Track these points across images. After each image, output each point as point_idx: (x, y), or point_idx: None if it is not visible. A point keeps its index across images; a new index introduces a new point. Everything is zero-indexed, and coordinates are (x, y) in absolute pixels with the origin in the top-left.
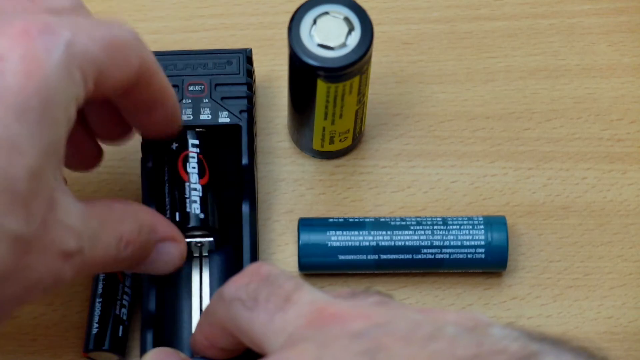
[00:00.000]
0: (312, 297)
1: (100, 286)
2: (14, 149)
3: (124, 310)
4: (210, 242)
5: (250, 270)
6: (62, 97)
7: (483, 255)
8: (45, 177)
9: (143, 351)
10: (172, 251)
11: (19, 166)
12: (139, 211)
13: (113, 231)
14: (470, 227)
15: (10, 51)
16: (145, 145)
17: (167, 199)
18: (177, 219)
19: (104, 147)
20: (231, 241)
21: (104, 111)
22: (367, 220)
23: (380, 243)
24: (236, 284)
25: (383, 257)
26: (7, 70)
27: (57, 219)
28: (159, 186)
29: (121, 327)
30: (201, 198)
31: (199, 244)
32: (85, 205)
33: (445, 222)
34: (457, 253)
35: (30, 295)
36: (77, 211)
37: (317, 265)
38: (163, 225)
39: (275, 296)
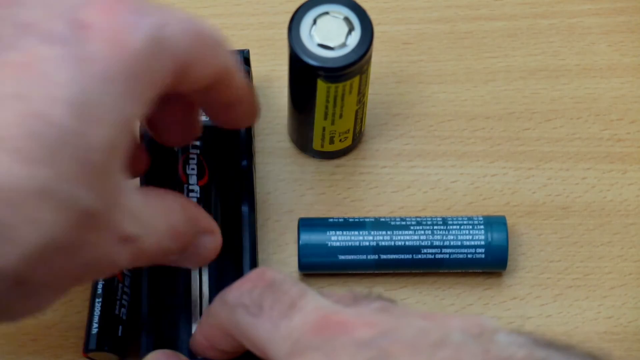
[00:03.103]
0: (317, 303)
1: (100, 286)
2: (94, 117)
3: (123, 310)
4: None
5: (254, 276)
6: (147, 78)
7: (483, 255)
8: (119, 154)
9: (142, 353)
10: (209, 245)
11: (99, 136)
12: (186, 202)
13: (166, 222)
14: (470, 227)
15: (99, 21)
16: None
17: None
18: None
19: None
20: (230, 243)
21: (173, 109)
22: (367, 220)
23: (380, 243)
24: (240, 289)
25: (383, 257)
26: (95, 39)
27: (121, 201)
28: (158, 186)
29: (121, 327)
30: (198, 199)
31: None
32: (141, 192)
33: (445, 222)
34: (457, 253)
35: (85, 275)
36: (137, 197)
37: (317, 265)
38: (204, 217)
39: (279, 303)
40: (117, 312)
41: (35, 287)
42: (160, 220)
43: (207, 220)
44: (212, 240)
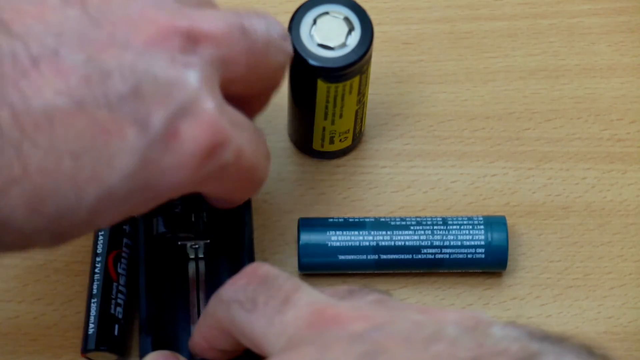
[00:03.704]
0: (311, 298)
1: (95, 286)
2: (110, 209)
3: (119, 309)
4: (206, 243)
5: (248, 271)
6: (177, 195)
7: (483, 255)
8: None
9: (141, 355)
10: None
11: (100, 221)
12: None
13: None
14: (470, 227)
15: (188, 142)
16: None
17: None
18: (162, 220)
19: None
20: (228, 244)
21: None
22: (367, 220)
23: (380, 243)
24: (234, 286)
25: (383, 257)
26: (172, 155)
27: None
28: None
29: (117, 326)
30: (196, 200)
31: (195, 246)
32: None
33: (445, 222)
34: (457, 253)
35: None
36: None
37: (317, 265)
38: None
39: (273, 298)
40: (112, 311)
41: None
42: None
43: None
44: None
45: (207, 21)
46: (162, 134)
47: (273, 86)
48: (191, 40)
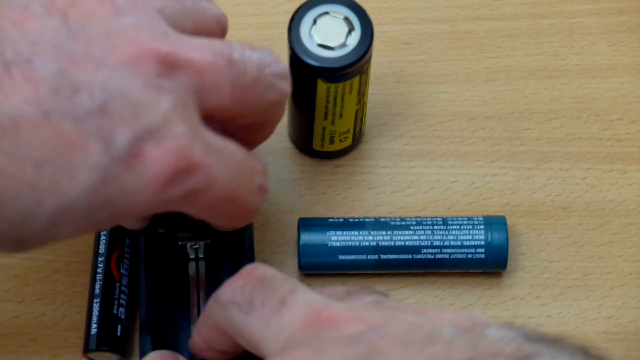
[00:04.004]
0: (308, 299)
1: (97, 286)
2: (66, 222)
3: (121, 309)
4: (206, 243)
5: (245, 272)
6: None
7: (483, 255)
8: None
9: (142, 354)
10: None
11: (58, 234)
12: None
13: None
14: (470, 227)
15: (152, 165)
16: None
17: None
18: (163, 221)
19: None
20: (229, 245)
21: None
22: (367, 220)
23: (380, 243)
24: (232, 287)
25: (383, 257)
26: (134, 177)
27: None
28: None
29: (119, 327)
30: None
31: (195, 246)
32: None
33: (445, 222)
34: (457, 253)
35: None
36: None
37: (317, 266)
38: None
39: (270, 300)
40: (115, 311)
41: None
42: None
43: None
44: None
45: (191, 48)
46: (126, 153)
47: (270, 120)
48: (169, 65)
